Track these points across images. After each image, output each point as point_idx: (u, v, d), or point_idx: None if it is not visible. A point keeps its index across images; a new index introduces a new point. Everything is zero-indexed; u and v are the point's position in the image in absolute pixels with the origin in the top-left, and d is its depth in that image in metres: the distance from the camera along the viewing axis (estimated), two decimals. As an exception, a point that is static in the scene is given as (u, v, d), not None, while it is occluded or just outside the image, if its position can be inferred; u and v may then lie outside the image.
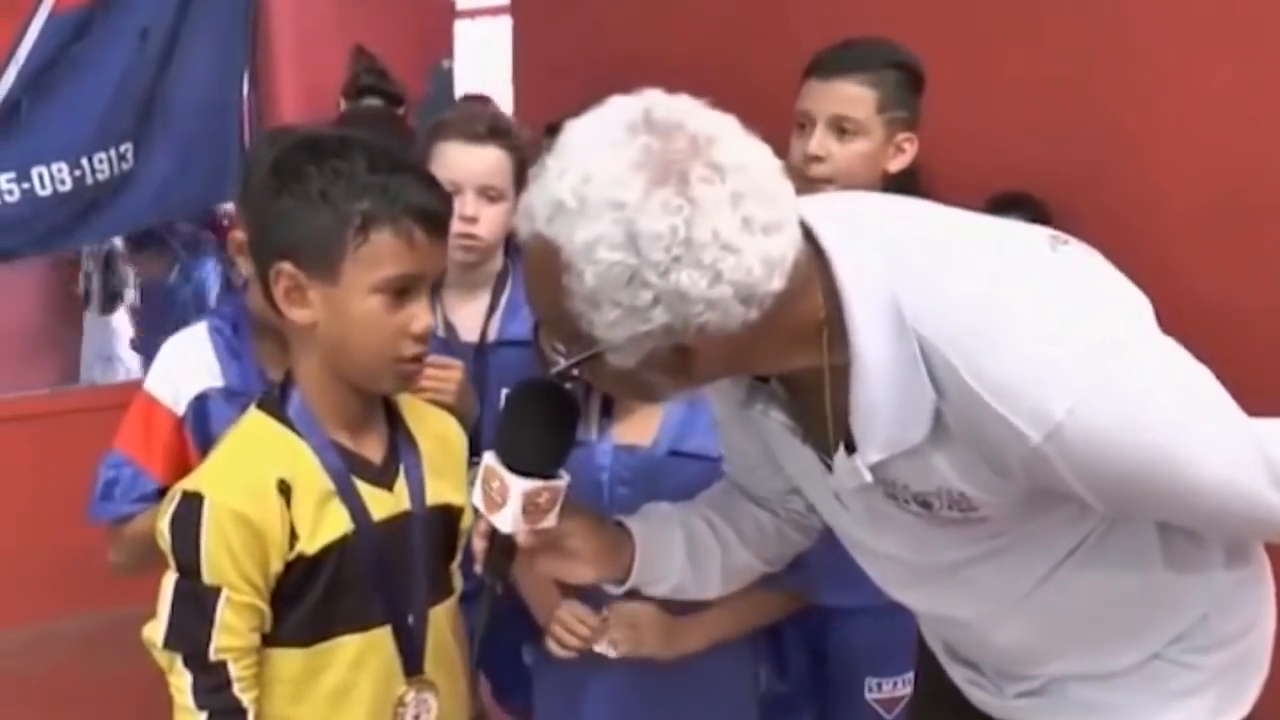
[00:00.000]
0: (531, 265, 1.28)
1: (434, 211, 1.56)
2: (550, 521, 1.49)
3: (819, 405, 1.36)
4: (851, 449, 1.34)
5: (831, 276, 1.28)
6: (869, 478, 1.33)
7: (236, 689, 1.54)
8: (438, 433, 1.77)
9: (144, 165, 4.22)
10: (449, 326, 2.36)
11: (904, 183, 2.30)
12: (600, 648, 1.92)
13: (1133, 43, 2.99)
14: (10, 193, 3.98)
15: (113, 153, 4.16)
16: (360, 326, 1.54)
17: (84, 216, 4.17)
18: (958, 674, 1.66)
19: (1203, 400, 1.28)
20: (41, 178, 4.03)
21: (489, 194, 2.30)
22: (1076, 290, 1.28)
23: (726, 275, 1.18)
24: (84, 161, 4.09)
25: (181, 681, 1.53)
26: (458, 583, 1.80)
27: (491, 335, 2.36)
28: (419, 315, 1.56)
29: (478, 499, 1.49)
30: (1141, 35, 2.97)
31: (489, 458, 1.48)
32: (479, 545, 1.50)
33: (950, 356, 1.22)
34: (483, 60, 5.65)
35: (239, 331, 2.00)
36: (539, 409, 1.49)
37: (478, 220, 2.29)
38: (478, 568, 1.52)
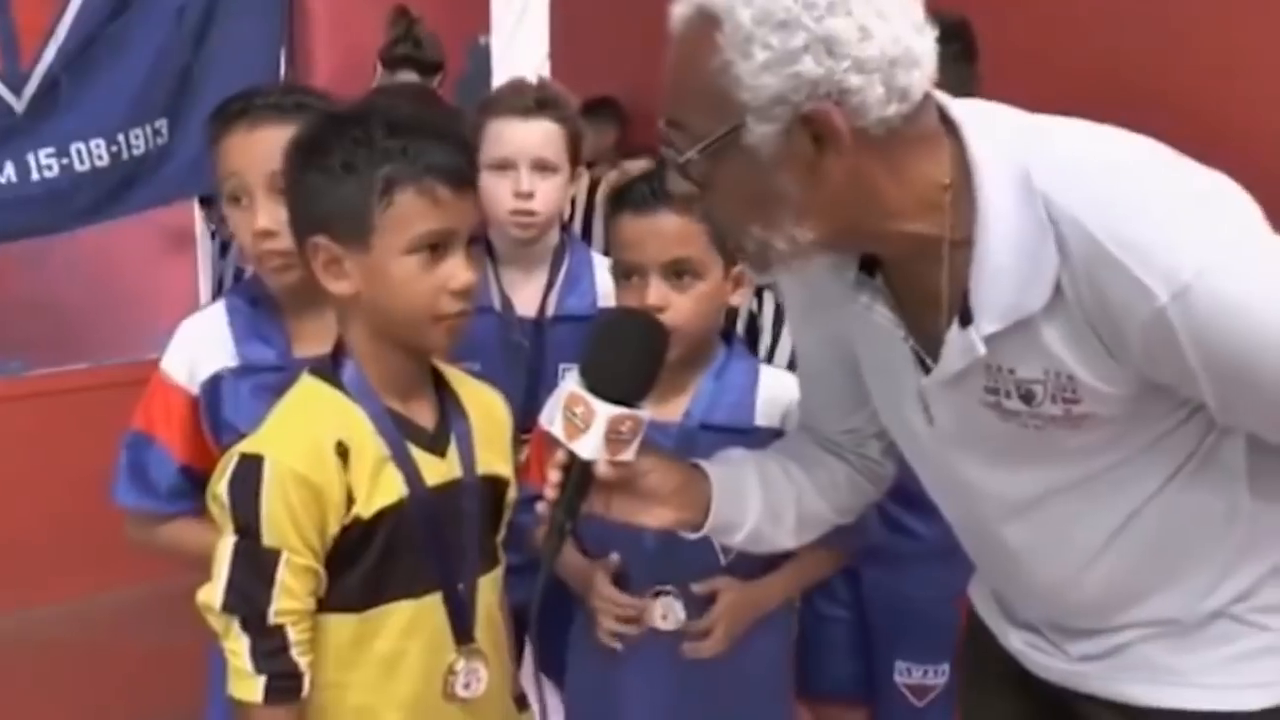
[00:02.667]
0: (680, 36, 1.32)
1: (455, 167, 1.58)
2: (630, 455, 1.50)
3: (927, 290, 1.37)
4: (965, 323, 1.34)
5: (961, 146, 1.32)
6: (983, 350, 1.33)
7: (295, 653, 1.54)
8: (484, 405, 1.78)
9: (179, 140, 4.24)
10: (506, 301, 2.36)
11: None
12: (654, 622, 1.91)
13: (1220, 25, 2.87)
14: (50, 168, 4.02)
15: (148, 128, 4.18)
16: (398, 289, 1.56)
17: (120, 191, 4.19)
18: (1016, 639, 1.63)
19: None
20: (80, 153, 4.07)
21: (542, 167, 2.30)
22: (1204, 175, 1.28)
23: (875, 36, 1.23)
24: (120, 137, 4.13)
25: (239, 645, 1.53)
26: (502, 556, 1.80)
27: (550, 310, 2.35)
28: (456, 272, 1.58)
29: (557, 428, 1.49)
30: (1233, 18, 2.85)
31: (571, 382, 1.49)
32: (554, 477, 1.50)
33: (1079, 213, 1.24)
34: (519, 36, 5.64)
35: (258, 306, 1.97)
36: (629, 335, 1.51)
37: (533, 195, 2.29)
38: (540, 507, 1.51)
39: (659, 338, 1.55)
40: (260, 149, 1.83)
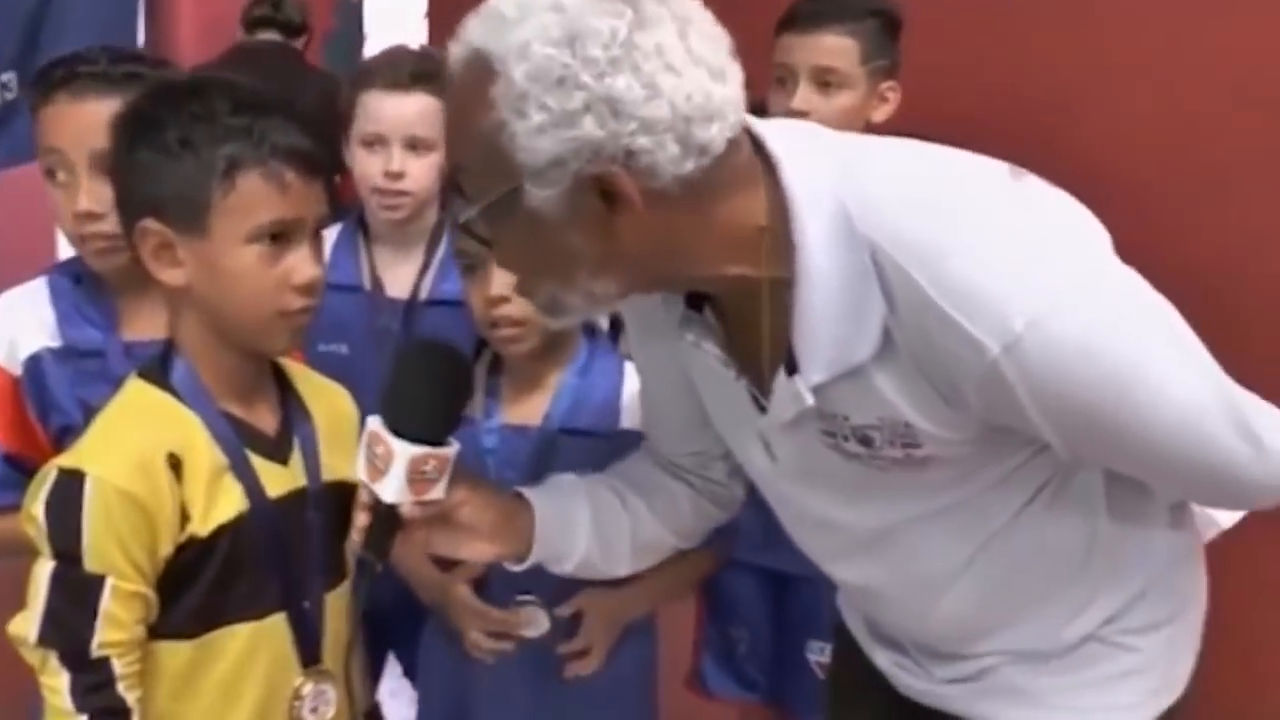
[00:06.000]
0: (456, 87, 1.22)
1: (304, 151, 1.45)
2: (438, 493, 1.42)
3: (756, 330, 1.29)
4: (792, 370, 1.26)
5: (778, 185, 1.23)
6: (810, 400, 1.26)
7: (120, 687, 1.41)
8: (331, 404, 1.66)
9: (30, 95, 4.02)
10: (377, 282, 2.27)
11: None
12: (524, 632, 1.85)
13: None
14: (-114, 124, 3.78)
15: (-6, 82, 3.96)
16: (238, 282, 1.43)
17: (-35, 150, 3.96)
18: (882, 658, 1.60)
19: (1167, 333, 1.21)
20: (-80, 107, 3.83)
21: (416, 145, 2.20)
22: (1040, 209, 1.23)
23: (665, 93, 1.14)
24: (-36, 91, 3.89)
25: (57, 682, 1.39)
26: (350, 566, 1.68)
27: (423, 293, 2.26)
28: (300, 266, 1.46)
29: (361, 468, 1.40)
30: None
31: (373, 422, 1.39)
32: (361, 519, 1.42)
33: (906, 263, 1.16)
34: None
35: (81, 284, 1.82)
36: (429, 370, 1.42)
37: (404, 175, 2.19)
38: (354, 547, 1.45)
39: (462, 369, 1.47)
40: (84, 122, 1.67)
